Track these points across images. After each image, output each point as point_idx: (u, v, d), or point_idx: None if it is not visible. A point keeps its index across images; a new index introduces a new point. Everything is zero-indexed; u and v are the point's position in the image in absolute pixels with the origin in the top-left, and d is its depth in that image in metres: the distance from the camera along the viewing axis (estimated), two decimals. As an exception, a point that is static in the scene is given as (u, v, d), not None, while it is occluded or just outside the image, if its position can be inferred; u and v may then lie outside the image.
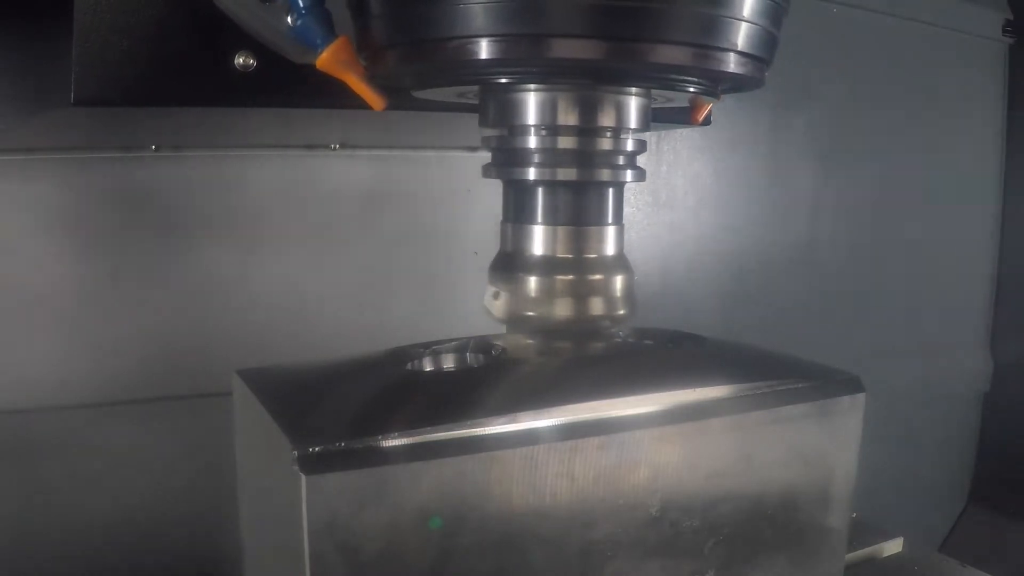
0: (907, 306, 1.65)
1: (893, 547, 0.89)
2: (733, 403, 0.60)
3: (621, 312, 0.56)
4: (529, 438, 0.53)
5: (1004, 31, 1.67)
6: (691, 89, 0.51)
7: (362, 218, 1.00)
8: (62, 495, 0.89)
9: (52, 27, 0.59)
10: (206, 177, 0.91)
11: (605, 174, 0.54)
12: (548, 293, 0.54)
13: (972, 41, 1.65)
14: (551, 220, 0.55)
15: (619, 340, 0.76)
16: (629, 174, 0.55)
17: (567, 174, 0.53)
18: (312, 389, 0.62)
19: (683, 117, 0.66)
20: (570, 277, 0.55)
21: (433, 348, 0.69)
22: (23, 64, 0.63)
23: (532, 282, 0.55)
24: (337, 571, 0.48)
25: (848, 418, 0.65)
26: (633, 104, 0.53)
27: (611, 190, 0.55)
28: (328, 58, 0.52)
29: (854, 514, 0.70)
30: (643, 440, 0.56)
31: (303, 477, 0.47)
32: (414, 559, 0.50)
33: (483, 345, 0.70)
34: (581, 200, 0.55)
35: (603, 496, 0.55)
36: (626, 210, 1.29)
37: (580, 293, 0.55)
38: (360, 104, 0.57)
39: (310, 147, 0.96)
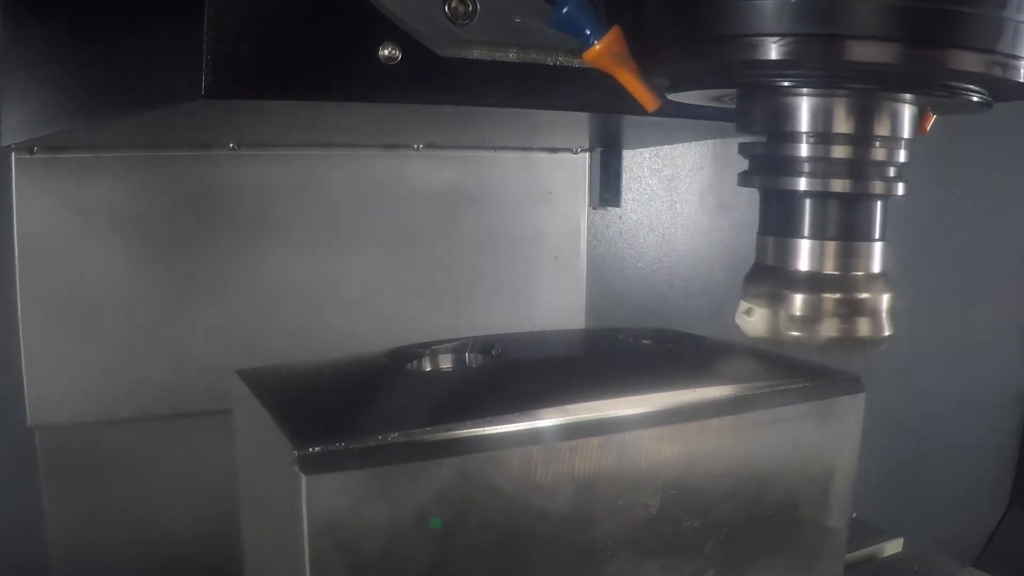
0: (946, 308, 1.64)
1: (893, 547, 0.89)
2: (733, 403, 0.60)
3: (887, 334, 0.54)
4: (529, 438, 0.53)
5: None
6: (975, 99, 0.49)
7: (442, 220, 0.98)
8: (132, 509, 0.86)
9: (144, 25, 0.56)
10: (285, 177, 0.89)
11: (878, 186, 0.52)
12: (814, 312, 0.52)
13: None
14: (819, 234, 0.52)
15: (619, 340, 0.76)
16: (900, 187, 0.53)
17: (840, 185, 0.51)
18: (312, 389, 0.62)
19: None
20: (837, 295, 0.52)
21: (433, 348, 0.69)
22: (113, 62, 0.60)
23: (797, 300, 0.52)
24: (337, 571, 0.48)
25: (848, 418, 0.65)
26: (907, 112, 0.51)
27: (880, 203, 0.54)
28: (601, 51, 0.47)
29: (854, 514, 0.70)
30: (643, 440, 0.56)
31: (303, 477, 0.47)
32: (414, 559, 0.50)
33: (483, 345, 0.70)
34: (852, 213, 0.53)
35: (603, 496, 0.55)
36: (691, 212, 1.31)
37: (847, 313, 0.52)
38: (496, 102, 0.55)
39: (392, 147, 0.93)
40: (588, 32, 0.47)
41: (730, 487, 0.60)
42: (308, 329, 0.90)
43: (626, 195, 1.19)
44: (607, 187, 1.14)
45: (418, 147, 0.94)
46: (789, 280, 0.53)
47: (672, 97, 0.53)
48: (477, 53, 0.52)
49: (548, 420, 0.53)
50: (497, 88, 0.53)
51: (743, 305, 0.56)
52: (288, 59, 0.48)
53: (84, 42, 0.64)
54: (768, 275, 0.54)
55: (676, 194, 1.26)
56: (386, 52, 0.49)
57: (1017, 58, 0.45)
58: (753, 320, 0.54)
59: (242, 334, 0.88)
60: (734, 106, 0.56)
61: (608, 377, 0.64)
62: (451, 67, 0.51)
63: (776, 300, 0.53)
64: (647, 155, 1.21)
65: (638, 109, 0.54)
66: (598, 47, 0.47)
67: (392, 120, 0.71)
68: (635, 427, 0.56)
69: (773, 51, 0.43)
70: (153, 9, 0.53)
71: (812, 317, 0.52)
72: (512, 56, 0.52)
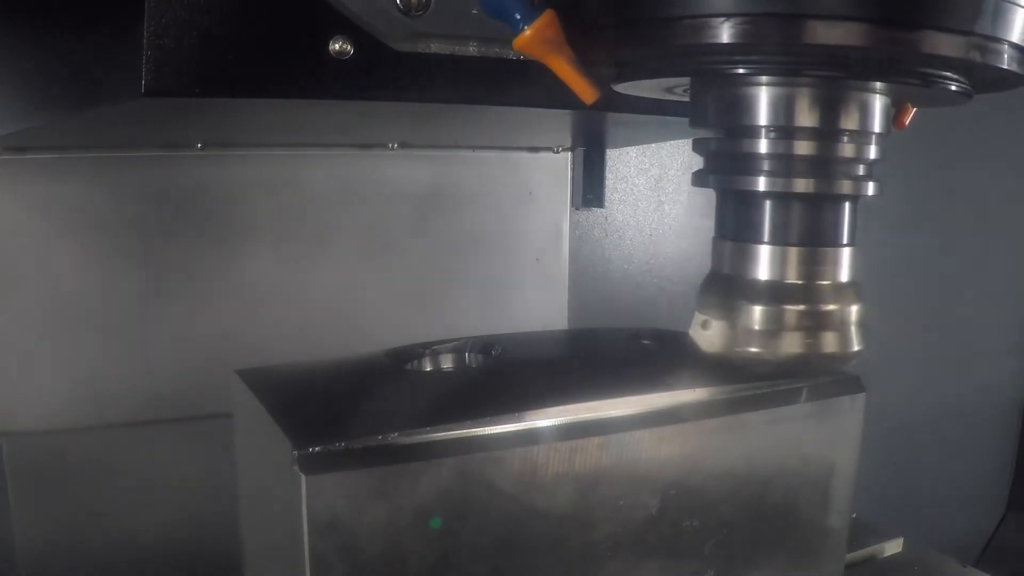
0: (944, 313, 1.63)
1: (893, 547, 0.89)
2: (733, 403, 0.60)
3: (856, 349, 0.50)
4: (529, 438, 0.53)
5: None
6: (953, 88, 0.44)
7: (419, 222, 0.95)
8: (99, 516, 0.84)
9: (105, 13, 0.53)
10: (255, 178, 0.86)
11: (846, 186, 0.47)
12: (774, 325, 0.48)
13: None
14: (780, 239, 0.48)
15: (619, 340, 0.76)
16: (871, 186, 0.49)
17: (803, 185, 0.46)
18: (312, 389, 0.62)
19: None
20: (801, 307, 0.48)
21: (433, 348, 0.69)
22: (72, 56, 0.56)
23: (755, 312, 0.48)
24: (337, 571, 0.48)
25: (848, 418, 0.65)
26: (878, 104, 0.46)
27: (849, 205, 0.49)
28: (532, 38, 0.42)
29: (854, 514, 0.70)
30: (643, 440, 0.56)
31: (303, 477, 0.47)
32: (414, 559, 0.50)
33: (482, 345, 0.70)
34: (817, 216, 0.48)
35: (603, 496, 0.55)
36: (679, 212, 1.29)
37: (811, 327, 0.48)
38: (457, 98, 0.51)
39: (366, 147, 0.91)
40: (518, 17, 0.43)
41: (730, 487, 0.60)
42: (282, 333, 0.88)
43: (612, 195, 1.17)
44: (590, 187, 1.11)
45: (393, 147, 0.92)
46: (747, 290, 0.49)
47: (619, 88, 0.49)
48: (435, 47, 0.49)
49: (548, 420, 0.53)
50: (456, 84, 0.50)
51: (698, 317, 0.52)
52: (233, 54, 0.45)
53: (31, 40, 0.62)
54: (725, 284, 0.50)
55: (664, 194, 1.23)
56: (337, 46, 0.47)
57: (998, 41, 0.40)
58: (708, 334, 0.51)
59: (214, 339, 0.86)
60: (688, 98, 0.51)
61: (608, 377, 0.63)
62: (407, 62, 0.48)
63: (733, 312, 0.49)
64: (633, 154, 1.19)
65: (618, 106, 0.52)
66: (528, 33, 0.43)
67: (356, 118, 0.68)
68: (635, 427, 0.56)
69: (724, 33, 0.38)
70: (99, 2, 0.50)
71: (772, 331, 0.48)
72: (473, 50, 0.49)
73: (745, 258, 0.49)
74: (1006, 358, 1.79)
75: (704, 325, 0.51)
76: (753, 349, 0.49)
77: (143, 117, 0.62)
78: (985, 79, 0.44)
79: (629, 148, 1.18)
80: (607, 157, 1.13)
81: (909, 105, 0.53)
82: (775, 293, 0.48)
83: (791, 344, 0.48)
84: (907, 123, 0.54)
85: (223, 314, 0.87)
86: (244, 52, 0.46)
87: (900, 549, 0.90)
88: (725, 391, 0.60)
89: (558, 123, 0.76)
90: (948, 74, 0.43)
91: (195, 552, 0.85)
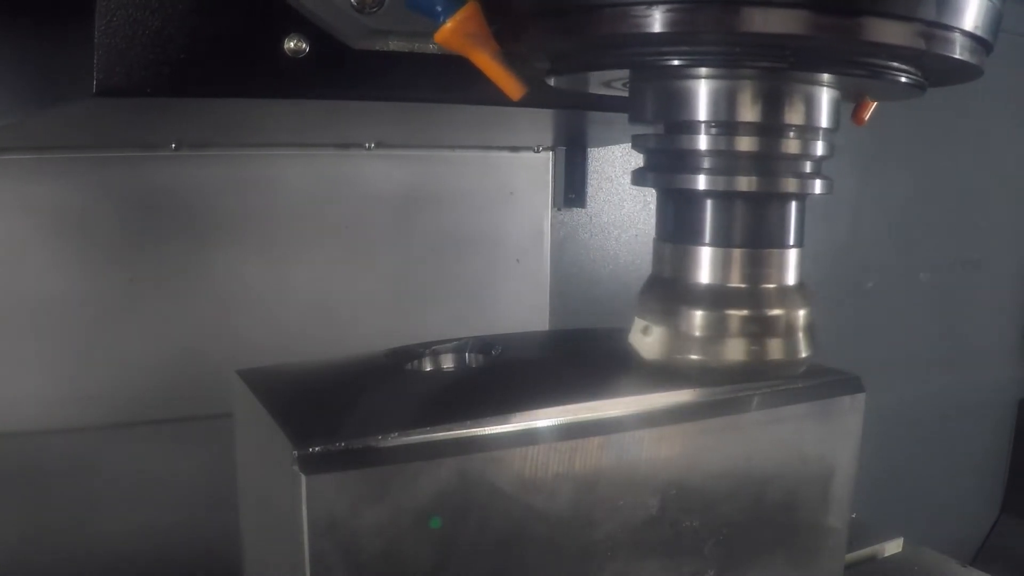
0: (941, 312, 1.63)
1: (893, 547, 0.89)
2: (733, 403, 0.60)
3: (803, 355, 0.48)
4: (529, 438, 0.53)
5: None
6: (903, 80, 0.41)
7: (398, 222, 0.94)
8: (76, 518, 0.83)
9: (62, 12, 0.52)
10: (231, 178, 0.86)
11: (791, 184, 0.45)
12: (716, 331, 0.46)
13: (1015, 41, 1.63)
14: (723, 241, 0.45)
15: (619, 340, 0.76)
16: (818, 184, 0.46)
17: (746, 183, 0.44)
18: (312, 389, 0.62)
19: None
20: (744, 312, 0.45)
21: (433, 348, 0.69)
22: (30, 55, 0.56)
23: (697, 317, 0.46)
24: (337, 571, 0.48)
25: (848, 418, 0.65)
26: (825, 97, 0.44)
27: (795, 204, 0.46)
28: (453, 31, 0.41)
29: (854, 514, 0.70)
30: (643, 440, 0.56)
31: (303, 477, 0.47)
32: (414, 559, 0.50)
33: (482, 345, 0.70)
34: (761, 216, 0.45)
35: (603, 496, 0.55)
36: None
37: (756, 332, 0.46)
38: (417, 97, 0.51)
39: (343, 146, 0.90)
40: (439, 9, 0.41)
41: (730, 487, 0.60)
42: (262, 334, 0.88)
43: (597, 195, 1.15)
44: (572, 187, 1.09)
45: (370, 146, 0.91)
46: (689, 294, 0.46)
47: (554, 83, 0.47)
48: (394, 45, 0.48)
49: (548, 420, 0.53)
50: (416, 82, 0.49)
51: (639, 323, 0.50)
52: (186, 54, 0.45)
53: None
54: (665, 288, 0.48)
55: (650, 194, 1.20)
56: (292, 44, 0.46)
57: (946, 28, 0.37)
58: (649, 340, 0.48)
59: (192, 340, 0.85)
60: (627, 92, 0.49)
61: (608, 377, 0.63)
62: (364, 60, 0.48)
63: (675, 318, 0.47)
64: (618, 153, 1.16)
65: (585, 104, 0.50)
66: (449, 25, 0.41)
67: (321, 117, 0.67)
68: (635, 427, 0.56)
69: (654, 22, 0.36)
70: (53, 3, 0.50)
71: (715, 337, 0.46)
72: (433, 48, 0.48)
73: (686, 261, 0.47)
74: (1003, 361, 1.80)
75: (645, 331, 0.49)
76: (695, 356, 0.46)
77: (104, 116, 0.61)
78: (937, 70, 0.42)
79: (614, 147, 1.16)
80: (592, 157, 1.11)
81: (869, 99, 0.50)
82: (717, 297, 0.46)
83: (735, 351, 0.46)
84: (867, 118, 0.51)
85: (201, 315, 0.86)
86: (196, 51, 0.45)
87: (900, 549, 0.90)
88: (725, 391, 0.60)
89: (535, 121, 0.75)
90: (895, 64, 0.40)
91: (184, 555, 0.85)
